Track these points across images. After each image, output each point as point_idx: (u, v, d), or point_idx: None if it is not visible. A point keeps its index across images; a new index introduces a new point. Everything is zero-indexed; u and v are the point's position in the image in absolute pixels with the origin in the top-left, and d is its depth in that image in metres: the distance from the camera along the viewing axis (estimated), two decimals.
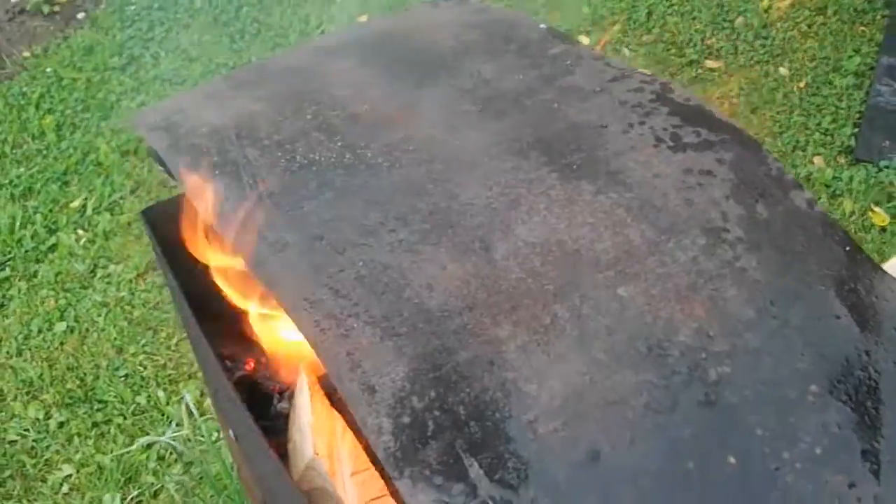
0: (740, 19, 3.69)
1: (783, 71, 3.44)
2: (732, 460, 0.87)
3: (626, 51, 3.79)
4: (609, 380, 0.92)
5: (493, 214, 1.04)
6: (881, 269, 1.03)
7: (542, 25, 1.35)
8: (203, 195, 1.11)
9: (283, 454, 1.24)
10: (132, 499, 2.47)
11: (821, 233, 1.04)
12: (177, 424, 2.40)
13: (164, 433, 2.44)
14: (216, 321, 1.29)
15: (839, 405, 0.92)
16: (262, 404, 1.35)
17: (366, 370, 0.91)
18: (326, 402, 1.21)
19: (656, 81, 1.21)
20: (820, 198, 3.00)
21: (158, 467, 2.52)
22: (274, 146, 1.18)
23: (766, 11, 3.68)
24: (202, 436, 2.33)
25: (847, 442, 0.90)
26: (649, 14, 3.89)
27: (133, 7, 4.42)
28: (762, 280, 1.00)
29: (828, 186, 3.04)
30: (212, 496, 2.34)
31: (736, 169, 1.09)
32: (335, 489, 1.10)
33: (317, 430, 1.15)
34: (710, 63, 3.59)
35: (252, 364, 1.40)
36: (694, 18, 3.79)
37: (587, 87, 1.22)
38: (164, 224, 1.35)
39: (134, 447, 2.52)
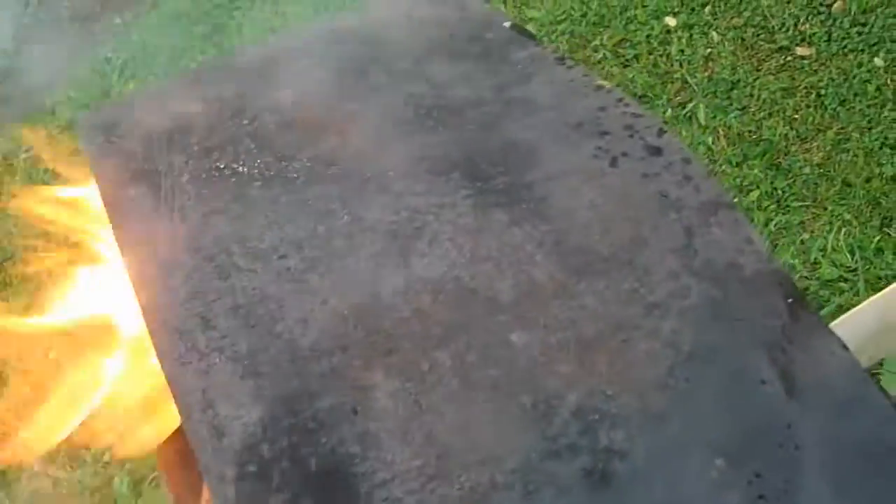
0: (838, 3, 3.43)
1: (878, 62, 3.18)
2: None
3: (714, 34, 3.58)
4: (482, 439, 0.83)
5: (393, 243, 0.95)
6: (825, 328, 0.90)
7: (506, 24, 1.24)
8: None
9: None
10: None
11: (761, 282, 0.92)
12: None
13: None
14: None
15: (744, 485, 0.81)
16: None
17: (218, 412, 0.84)
18: None
19: (614, 95, 1.09)
20: None
21: None
22: (202, 153, 1.12)
23: None
24: None
25: None
26: None
27: None
28: (681, 335, 0.88)
29: None
30: None
31: (676, 202, 0.97)
32: None
33: None
34: (800, 50, 3.36)
35: None
36: (788, 2, 3.55)
37: (538, 101, 1.11)
38: None
39: None
